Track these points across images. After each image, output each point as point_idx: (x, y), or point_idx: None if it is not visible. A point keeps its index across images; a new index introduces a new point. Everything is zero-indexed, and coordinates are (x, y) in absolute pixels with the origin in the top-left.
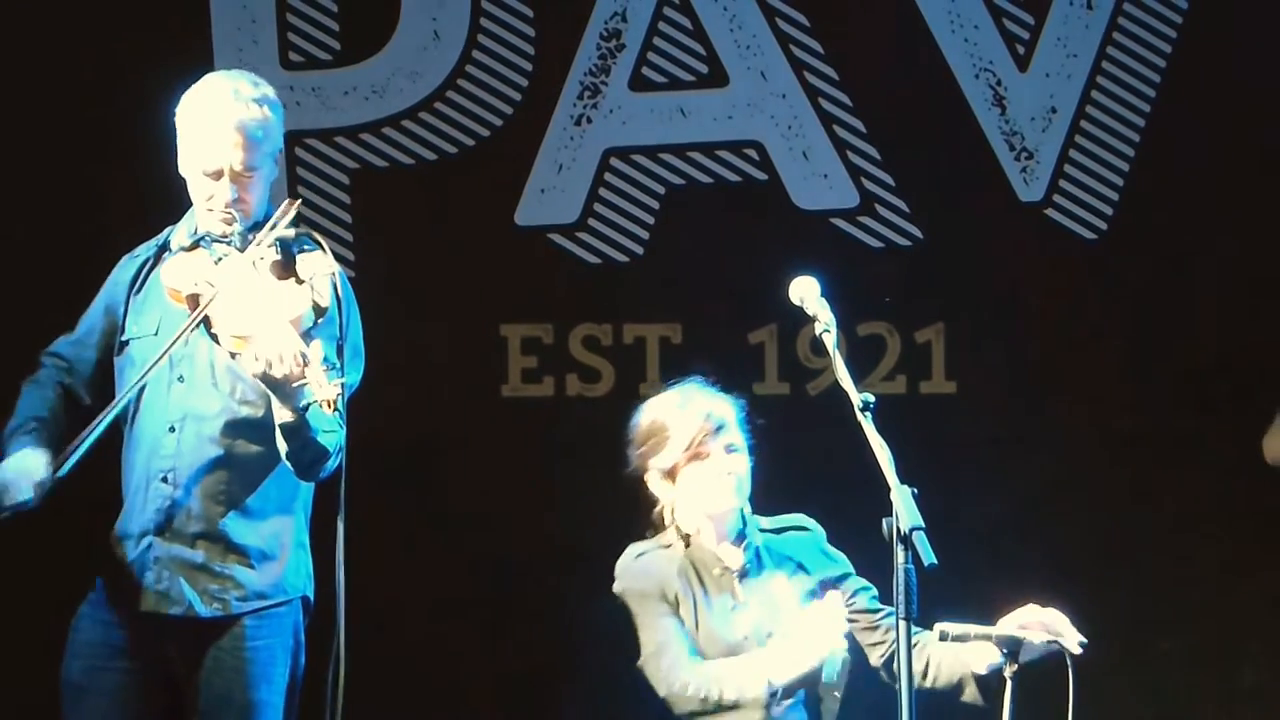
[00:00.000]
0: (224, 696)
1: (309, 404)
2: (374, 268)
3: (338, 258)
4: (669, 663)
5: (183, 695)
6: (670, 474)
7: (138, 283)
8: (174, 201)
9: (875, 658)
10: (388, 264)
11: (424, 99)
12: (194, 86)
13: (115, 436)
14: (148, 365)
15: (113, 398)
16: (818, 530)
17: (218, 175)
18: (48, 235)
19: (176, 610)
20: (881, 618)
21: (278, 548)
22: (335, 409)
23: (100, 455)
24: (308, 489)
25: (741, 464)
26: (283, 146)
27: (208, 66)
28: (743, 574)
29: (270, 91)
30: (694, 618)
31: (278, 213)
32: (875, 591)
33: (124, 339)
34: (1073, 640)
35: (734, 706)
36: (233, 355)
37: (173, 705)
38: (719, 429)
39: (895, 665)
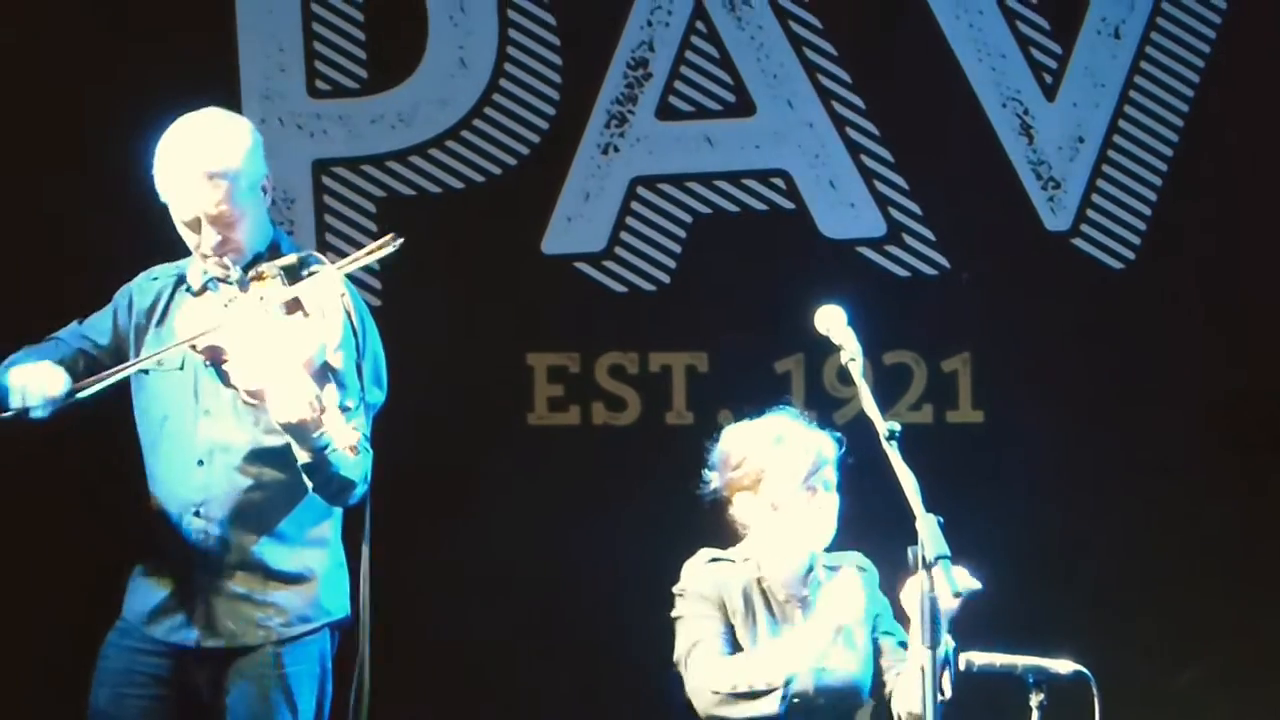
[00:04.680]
0: None
1: (328, 445)
2: (401, 297)
3: (365, 287)
4: (701, 654)
5: None
6: (774, 504)
7: (156, 312)
8: None
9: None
10: (414, 293)
11: (451, 127)
12: (163, 136)
13: (134, 463)
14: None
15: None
16: (872, 570)
17: (195, 224)
18: (65, 272)
19: (217, 643)
20: (897, 663)
21: (315, 569)
22: (357, 452)
23: (128, 485)
24: (339, 510)
25: (835, 502)
26: (267, 172)
27: (235, 95)
28: (805, 604)
29: (240, 126)
30: (751, 637)
31: (371, 246)
32: (905, 638)
33: (145, 370)
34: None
35: (763, 694)
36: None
37: None
38: (823, 465)
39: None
